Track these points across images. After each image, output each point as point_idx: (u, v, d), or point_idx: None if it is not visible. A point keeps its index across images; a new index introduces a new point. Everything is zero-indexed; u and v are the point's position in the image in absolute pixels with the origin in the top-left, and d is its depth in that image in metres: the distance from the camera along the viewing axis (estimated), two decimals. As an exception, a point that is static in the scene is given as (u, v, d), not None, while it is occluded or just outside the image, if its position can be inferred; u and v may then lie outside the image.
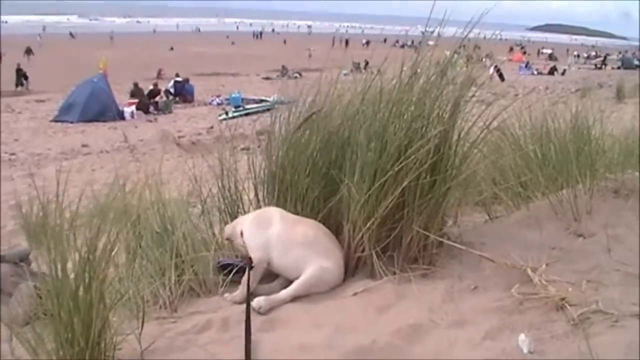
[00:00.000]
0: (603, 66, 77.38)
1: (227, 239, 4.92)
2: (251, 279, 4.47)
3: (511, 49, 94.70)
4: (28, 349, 3.49)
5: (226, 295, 4.54)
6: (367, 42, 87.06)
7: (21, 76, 49.60)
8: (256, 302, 4.24)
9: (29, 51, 68.63)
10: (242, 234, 4.70)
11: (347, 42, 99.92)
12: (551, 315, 3.49)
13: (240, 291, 4.45)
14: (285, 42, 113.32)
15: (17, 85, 48.65)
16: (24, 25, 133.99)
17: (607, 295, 3.55)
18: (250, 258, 4.49)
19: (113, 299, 3.85)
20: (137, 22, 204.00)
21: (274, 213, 4.72)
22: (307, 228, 4.62)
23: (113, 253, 3.77)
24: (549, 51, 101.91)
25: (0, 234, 10.79)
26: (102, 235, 3.65)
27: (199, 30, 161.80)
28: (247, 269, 4.45)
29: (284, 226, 4.58)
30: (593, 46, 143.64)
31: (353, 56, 37.82)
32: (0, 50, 62.34)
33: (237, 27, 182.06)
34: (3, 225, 11.67)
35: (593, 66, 78.84)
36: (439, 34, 4.60)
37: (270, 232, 4.58)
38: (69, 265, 3.49)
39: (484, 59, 6.03)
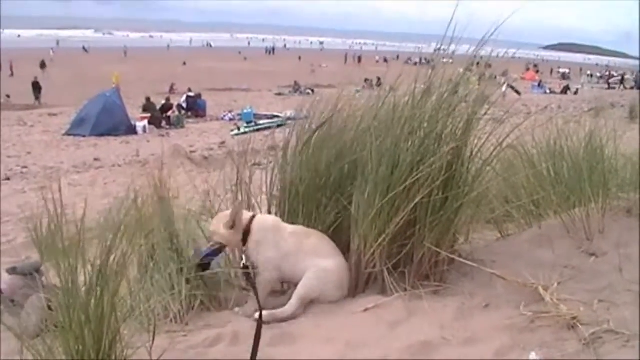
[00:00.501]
0: (621, 86, 76.88)
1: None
2: (260, 294, 4.49)
3: (528, 69, 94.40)
4: (38, 361, 3.50)
5: (237, 309, 4.56)
6: (385, 59, 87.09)
7: (37, 89, 49.86)
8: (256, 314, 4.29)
9: (43, 65, 69.18)
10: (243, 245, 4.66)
11: (359, 58, 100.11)
12: (562, 334, 3.47)
13: (250, 305, 4.48)
14: (300, 58, 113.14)
15: (36, 98, 48.97)
16: (38, 40, 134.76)
17: (619, 315, 3.53)
18: (246, 267, 4.48)
19: (124, 312, 3.86)
20: (150, 37, 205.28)
21: (283, 230, 4.71)
22: (312, 238, 4.65)
23: (125, 266, 3.78)
24: (567, 70, 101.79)
25: (1, 247, 10.86)
26: (114, 248, 3.66)
27: (211, 46, 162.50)
28: (246, 277, 4.46)
29: (294, 241, 4.60)
30: (607, 65, 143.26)
31: (366, 73, 37.90)
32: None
33: (249, 43, 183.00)
34: (14, 238, 11.72)
35: (606, 86, 78.50)
36: (452, 52, 4.61)
37: (282, 251, 4.59)
38: (81, 278, 3.50)
39: (497, 77, 6.00)
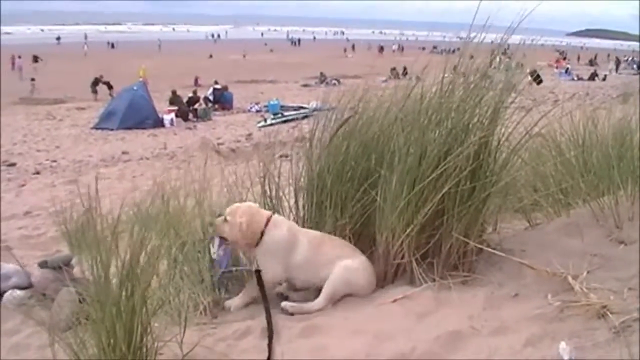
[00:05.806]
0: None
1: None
2: (252, 292, 4.54)
3: (564, 58, 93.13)
4: (70, 354, 3.53)
5: (227, 302, 4.58)
6: (403, 48, 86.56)
7: (96, 84, 49.54)
8: (284, 304, 4.41)
9: (35, 59, 70.52)
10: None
11: (381, 48, 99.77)
12: (592, 323, 3.45)
13: (240, 298, 4.58)
14: (325, 49, 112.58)
15: (93, 92, 48.81)
16: (62, 35, 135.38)
17: (650, 303, 3.50)
18: (259, 271, 4.44)
19: (155, 305, 3.89)
20: (173, 29, 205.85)
21: (298, 235, 4.68)
22: (330, 244, 4.67)
23: (156, 261, 3.81)
24: (629, 58, 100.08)
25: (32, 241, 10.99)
26: (145, 242, 3.69)
27: (237, 38, 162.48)
28: (257, 281, 4.44)
29: (310, 249, 4.60)
30: (635, 50, 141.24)
31: (392, 62, 37.72)
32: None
33: (262, 34, 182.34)
34: (44, 232, 11.83)
35: (634, 71, 77.70)
36: (480, 40, 4.58)
37: (293, 258, 4.59)
38: (111, 270, 3.53)
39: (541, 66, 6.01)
